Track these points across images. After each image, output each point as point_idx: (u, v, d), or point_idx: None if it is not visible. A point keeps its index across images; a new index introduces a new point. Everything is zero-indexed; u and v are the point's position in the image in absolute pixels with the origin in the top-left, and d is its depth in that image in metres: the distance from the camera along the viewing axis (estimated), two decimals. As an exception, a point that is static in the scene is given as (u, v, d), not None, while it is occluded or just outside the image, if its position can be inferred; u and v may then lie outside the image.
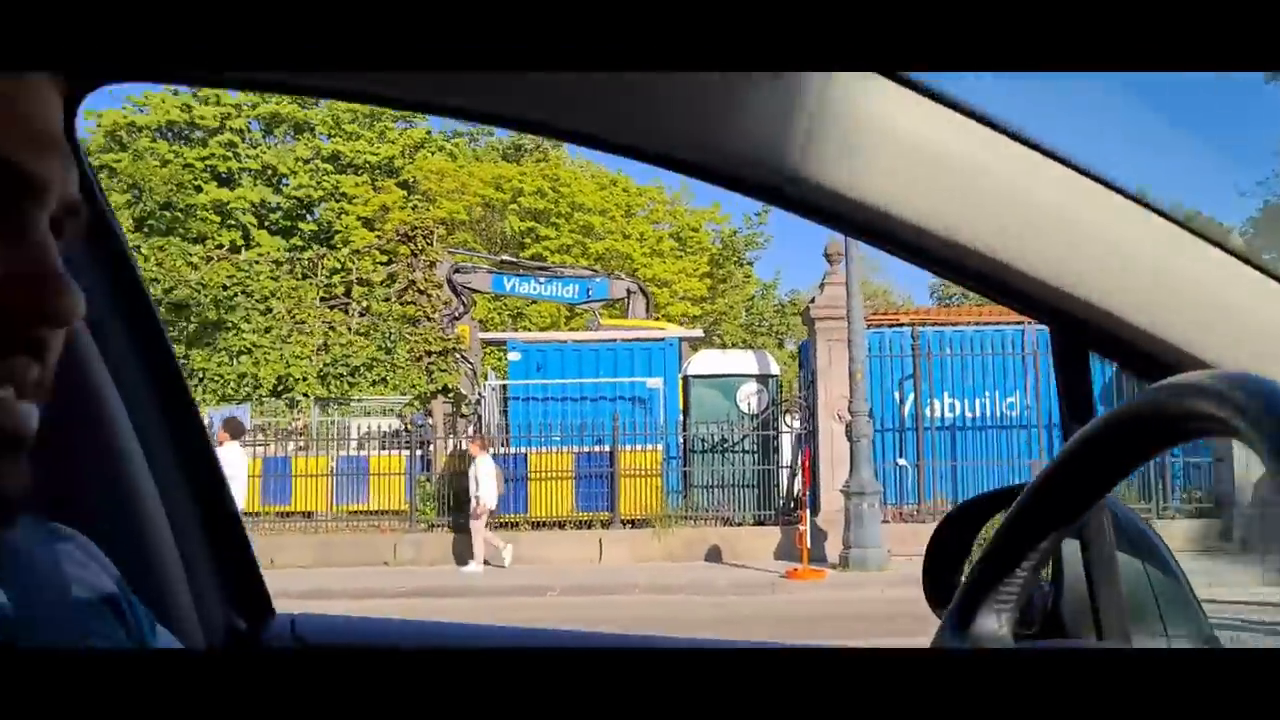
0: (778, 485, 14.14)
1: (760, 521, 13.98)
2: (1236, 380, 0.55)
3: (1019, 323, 15.35)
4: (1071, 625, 0.95)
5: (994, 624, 0.78)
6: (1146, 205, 0.85)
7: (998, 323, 15.46)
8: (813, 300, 14.18)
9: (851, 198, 0.80)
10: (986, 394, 15.05)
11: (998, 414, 15.00)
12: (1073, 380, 0.93)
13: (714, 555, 13.44)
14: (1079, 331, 0.89)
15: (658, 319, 24.21)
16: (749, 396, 14.00)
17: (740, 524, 13.95)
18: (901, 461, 14.00)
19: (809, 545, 12.08)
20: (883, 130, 0.79)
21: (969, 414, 15.05)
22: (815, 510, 13.37)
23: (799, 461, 13.97)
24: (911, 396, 14.58)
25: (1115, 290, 0.84)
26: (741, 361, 14.45)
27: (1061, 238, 0.83)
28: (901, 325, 14.87)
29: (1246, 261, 0.86)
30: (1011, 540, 0.76)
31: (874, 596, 10.82)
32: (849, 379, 12.46)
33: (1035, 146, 0.82)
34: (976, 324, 15.46)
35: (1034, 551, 0.76)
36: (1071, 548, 0.94)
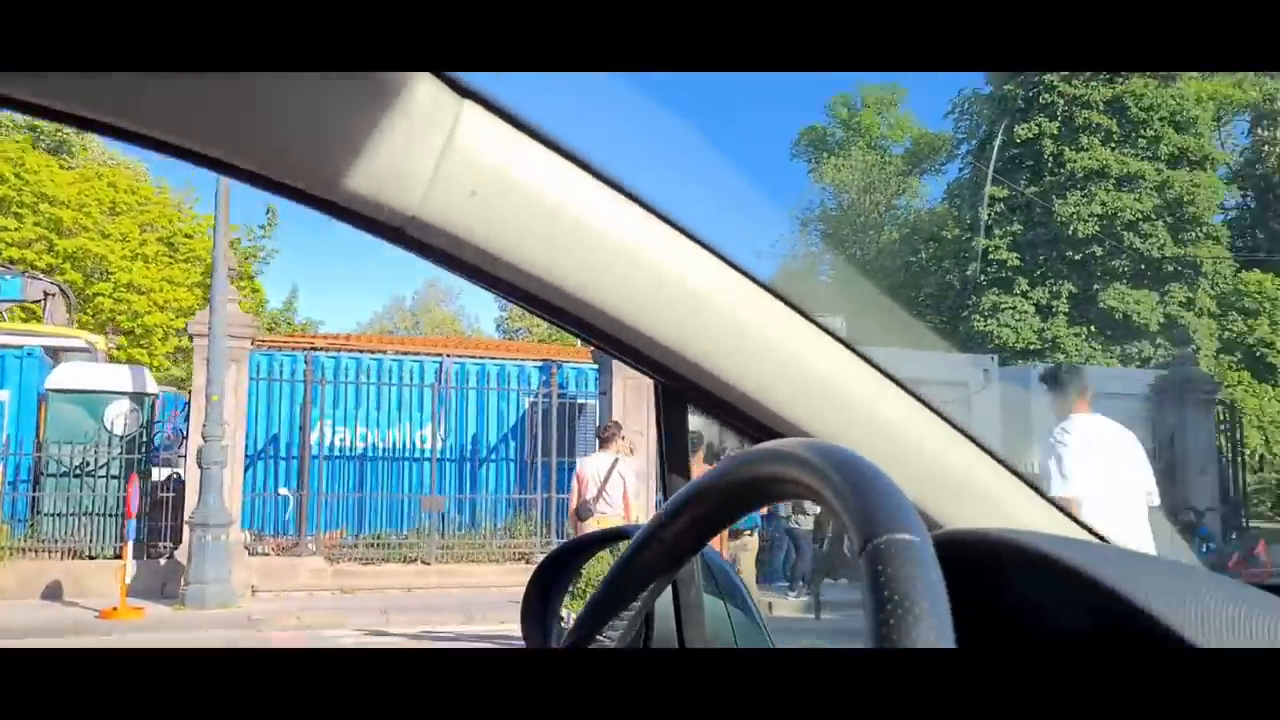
0: (146, 513, 12.90)
1: (119, 554, 12.66)
2: (822, 449, 0.59)
3: (436, 354, 15.27)
4: None
5: None
6: (751, 277, 0.88)
7: (415, 353, 15.28)
8: (193, 316, 13.18)
9: (473, 243, 0.78)
10: (400, 425, 14.76)
11: (410, 445, 14.75)
12: (674, 433, 0.96)
13: (53, 592, 11.95)
14: (682, 388, 0.90)
15: (124, 333, 22.06)
16: (117, 416, 12.68)
17: (96, 556, 12.54)
18: (284, 491, 13.30)
19: (127, 580, 11.02)
20: (507, 179, 0.77)
21: (381, 444, 14.68)
22: (179, 542, 12.34)
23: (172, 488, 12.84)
24: (319, 424, 13.96)
25: (718, 353, 0.87)
26: (113, 377, 13.09)
27: (670, 298, 0.83)
28: (300, 349, 14.23)
29: (832, 335, 0.92)
30: (618, 586, 0.77)
31: (182, 639, 9.93)
32: (205, 401, 11.57)
33: (650, 209, 0.83)
34: (398, 353, 15.18)
35: (637, 599, 0.77)
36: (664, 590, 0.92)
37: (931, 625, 0.45)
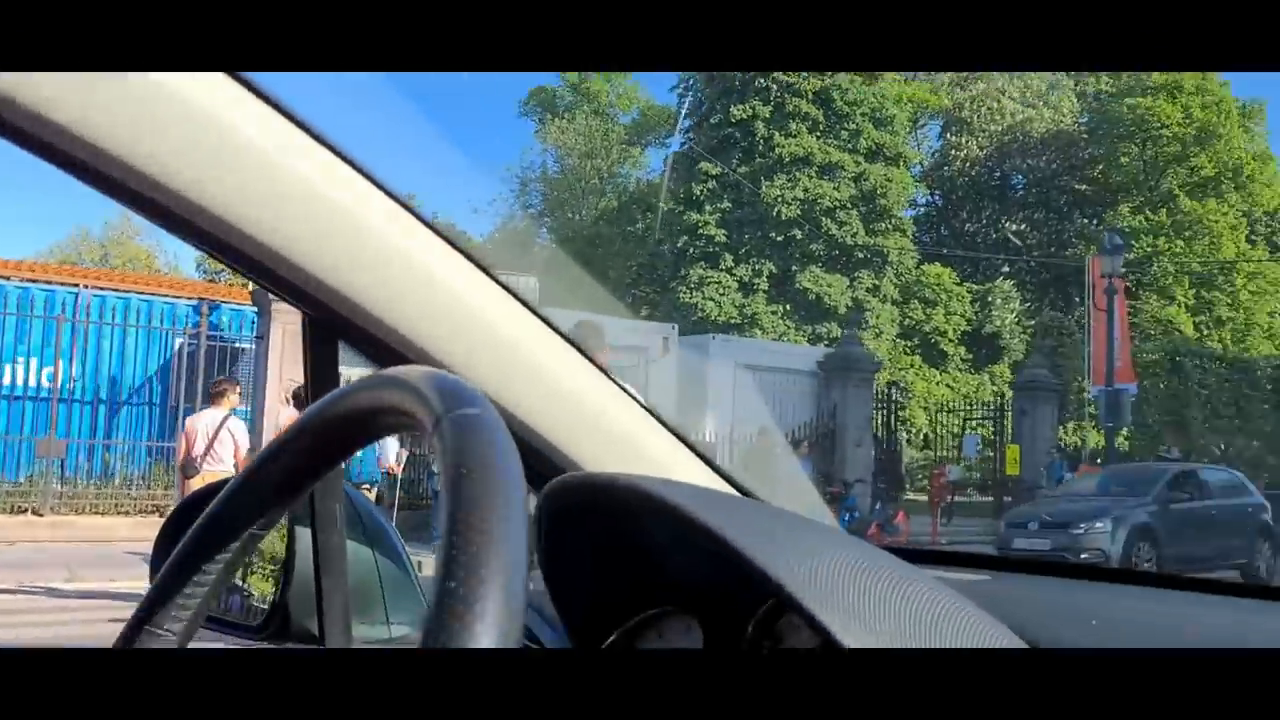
0: None
1: None
2: (429, 377, 0.54)
3: (73, 284, 13.77)
4: (297, 617, 0.95)
5: (176, 618, 0.70)
6: (403, 205, 0.85)
7: (47, 282, 13.72)
8: None
9: (68, 128, 0.68)
10: (22, 361, 13.19)
11: (34, 384, 13.21)
12: (321, 369, 0.91)
13: None
14: (333, 321, 0.87)
15: None
16: None
17: None
18: None
19: None
20: (159, 89, 0.70)
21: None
22: None
23: None
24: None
25: (365, 286, 0.83)
26: None
27: (315, 227, 0.80)
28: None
29: (503, 285, 0.90)
30: (208, 535, 0.70)
31: None
32: None
33: (320, 138, 0.79)
34: (25, 280, 13.56)
35: (229, 549, 0.70)
36: (306, 537, 0.91)
37: (503, 489, 0.45)
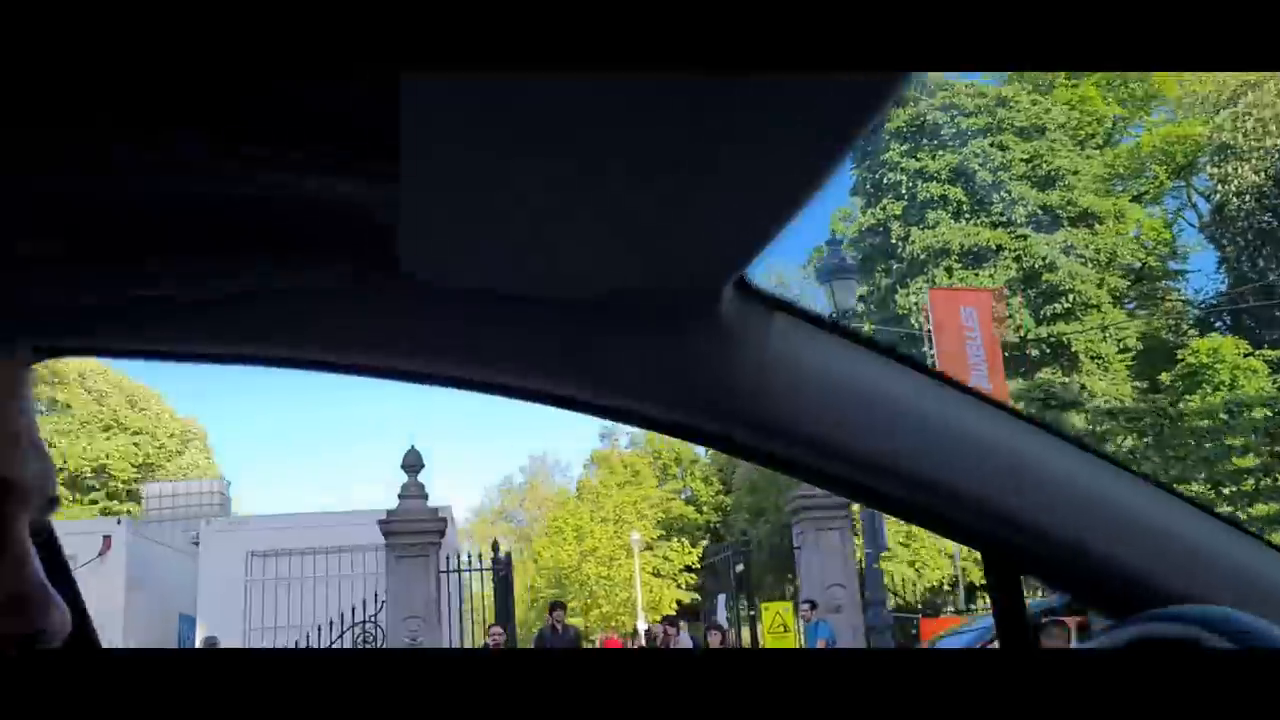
0: None
1: None
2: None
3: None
4: None
5: None
6: (1067, 438, 0.89)
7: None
8: None
9: (798, 440, 0.83)
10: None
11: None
12: (1008, 604, 0.94)
13: None
14: (1012, 557, 0.91)
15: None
16: None
17: None
18: None
19: None
20: (820, 374, 0.81)
21: None
22: None
23: None
24: None
25: (1050, 519, 0.86)
26: None
27: (988, 468, 0.85)
28: None
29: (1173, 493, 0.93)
30: None
31: None
32: None
33: (948, 381, 0.85)
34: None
35: None
36: None
37: None
